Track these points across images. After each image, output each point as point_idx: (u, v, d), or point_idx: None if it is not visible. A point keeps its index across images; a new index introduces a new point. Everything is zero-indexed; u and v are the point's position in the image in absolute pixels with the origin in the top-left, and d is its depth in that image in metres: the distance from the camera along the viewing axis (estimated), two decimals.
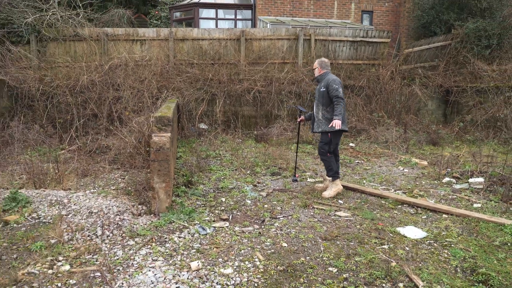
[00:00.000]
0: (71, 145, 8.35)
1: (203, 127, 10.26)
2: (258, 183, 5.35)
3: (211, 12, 15.49)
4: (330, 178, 4.88)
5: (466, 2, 12.37)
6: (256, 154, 7.36)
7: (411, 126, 10.07)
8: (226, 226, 3.81)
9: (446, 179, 5.55)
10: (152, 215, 4.06)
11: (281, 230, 3.73)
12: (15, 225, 3.79)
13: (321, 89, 4.82)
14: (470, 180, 5.24)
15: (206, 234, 3.65)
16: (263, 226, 3.82)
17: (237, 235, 3.61)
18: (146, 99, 9.61)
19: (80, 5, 11.57)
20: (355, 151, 7.77)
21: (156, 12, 18.02)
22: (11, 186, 5.23)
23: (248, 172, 5.95)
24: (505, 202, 4.50)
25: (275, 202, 4.52)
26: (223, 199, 4.63)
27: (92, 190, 5.23)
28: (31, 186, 5.36)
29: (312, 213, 4.17)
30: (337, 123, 4.52)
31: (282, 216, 4.06)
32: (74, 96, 9.53)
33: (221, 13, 15.55)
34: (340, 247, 3.37)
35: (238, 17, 15.56)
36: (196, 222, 3.89)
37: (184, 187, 4.91)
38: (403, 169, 6.30)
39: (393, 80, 10.81)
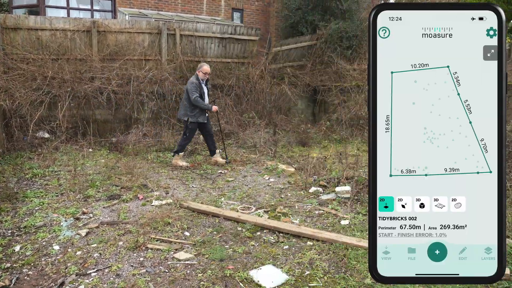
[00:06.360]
0: None
1: (44, 136, 8.31)
2: (84, 213, 4.00)
3: (61, 0, 13.15)
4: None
5: (329, 4, 12.67)
6: (101, 169, 5.94)
7: (281, 126, 9.70)
8: None
9: (313, 188, 5.00)
10: None
11: None
12: None
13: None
14: (337, 188, 4.76)
15: None
16: None
17: None
18: None
19: None
20: None
21: None
22: None
23: (78, 197, 4.54)
24: None
25: (95, 245, 3.25)
26: (18, 248, 3.19)
27: None
28: None
29: (142, 259, 3.04)
30: None
31: (95, 270, 2.83)
32: None
33: (73, 2, 13.32)
34: None
35: (95, 7, 13.53)
36: None
37: None
38: (268, 179, 5.55)
39: (263, 79, 10.35)
